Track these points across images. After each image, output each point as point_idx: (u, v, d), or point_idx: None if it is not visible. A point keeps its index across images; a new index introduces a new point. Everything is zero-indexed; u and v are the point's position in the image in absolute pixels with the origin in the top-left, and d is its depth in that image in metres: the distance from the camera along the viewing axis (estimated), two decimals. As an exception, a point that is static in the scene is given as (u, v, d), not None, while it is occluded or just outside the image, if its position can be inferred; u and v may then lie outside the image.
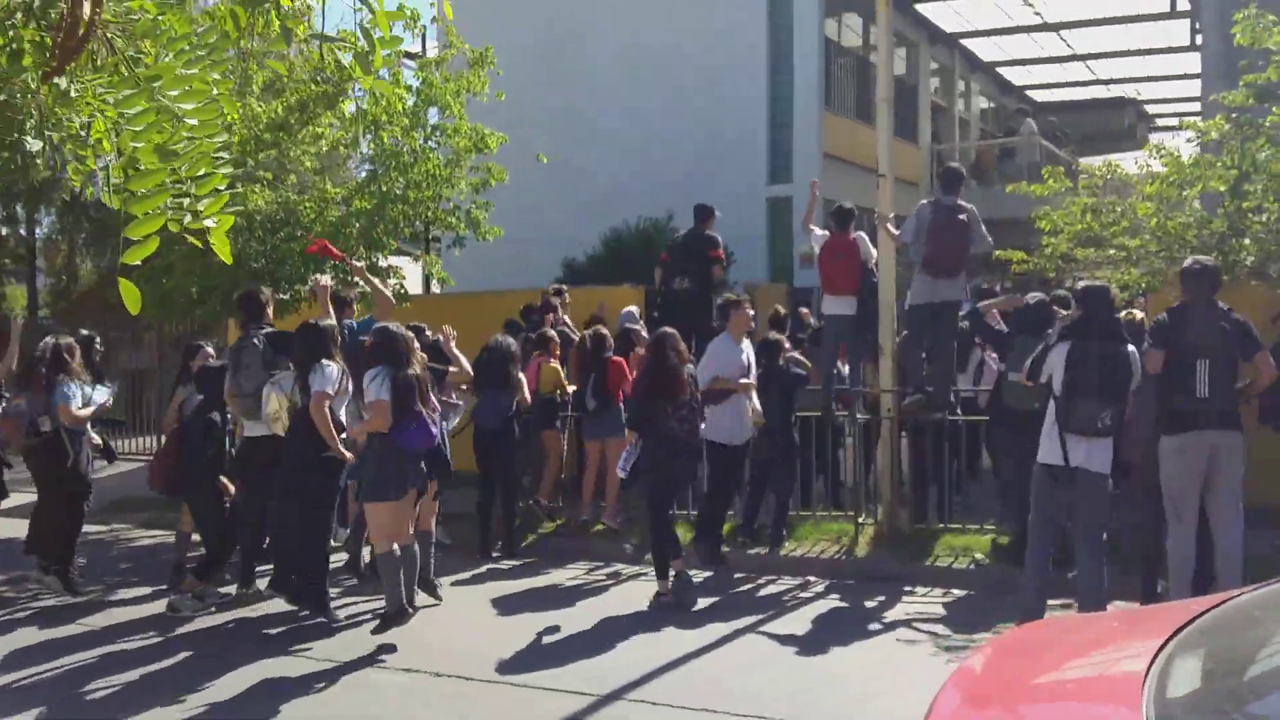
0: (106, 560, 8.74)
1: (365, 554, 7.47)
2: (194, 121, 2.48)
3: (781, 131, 16.50)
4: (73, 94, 2.70)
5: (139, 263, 2.46)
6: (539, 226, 15.84)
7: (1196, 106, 18.09)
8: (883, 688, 5.58)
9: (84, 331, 8.36)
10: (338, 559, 7.59)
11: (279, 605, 7.02)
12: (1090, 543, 5.98)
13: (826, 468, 9.24)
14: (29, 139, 2.83)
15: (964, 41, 20.97)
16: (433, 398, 6.57)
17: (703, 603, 7.17)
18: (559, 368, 9.13)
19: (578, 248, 15.69)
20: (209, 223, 2.45)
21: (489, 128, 10.25)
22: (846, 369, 9.40)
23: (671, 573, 7.09)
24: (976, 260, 9.25)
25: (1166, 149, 9.04)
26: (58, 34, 2.62)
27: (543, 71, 16.86)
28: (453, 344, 7.44)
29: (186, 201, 2.50)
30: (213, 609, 7.14)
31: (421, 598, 6.79)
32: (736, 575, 7.83)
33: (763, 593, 7.49)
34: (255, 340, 7.08)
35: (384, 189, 9.64)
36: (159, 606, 7.22)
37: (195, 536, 7.67)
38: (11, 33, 2.78)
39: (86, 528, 8.09)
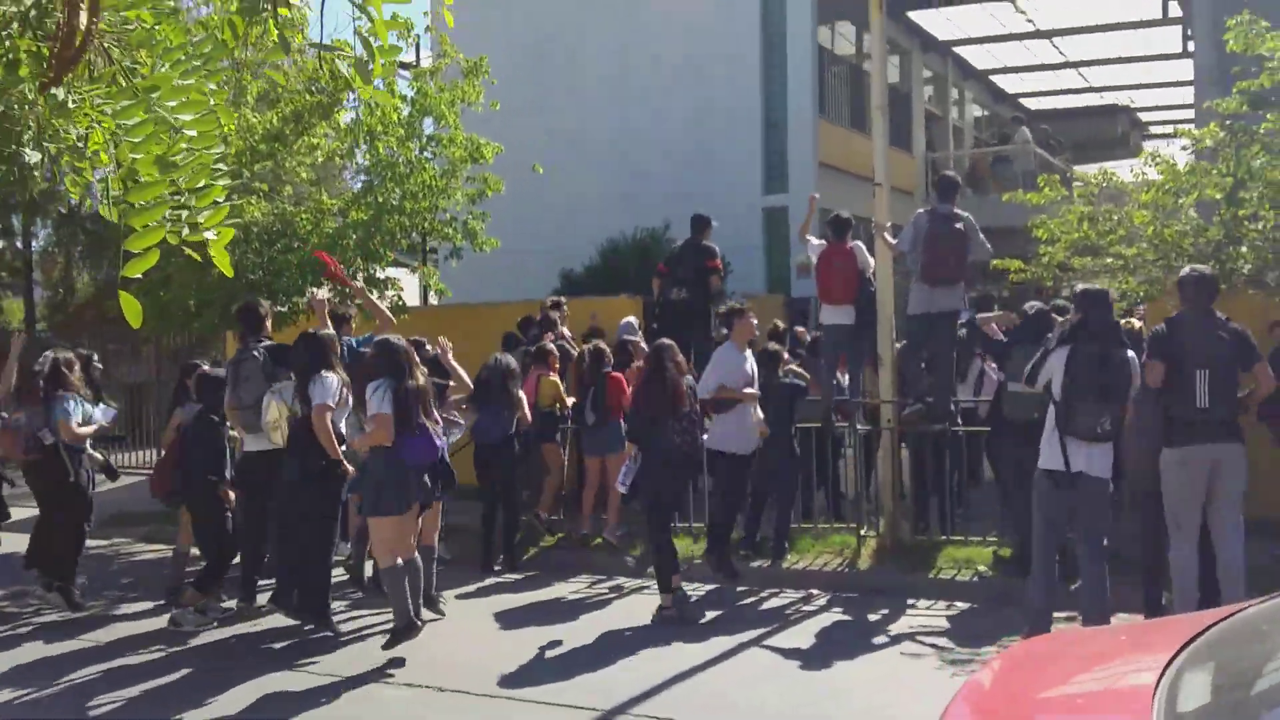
0: (108, 575, 8.70)
1: (368, 567, 7.44)
2: (193, 133, 2.46)
3: (776, 141, 16.51)
4: (70, 105, 2.67)
5: (138, 275, 2.44)
6: (535, 237, 15.83)
7: (1189, 114, 18.15)
8: (888, 700, 5.55)
9: (82, 350, 8.33)
10: (339, 573, 7.55)
11: (281, 619, 6.98)
12: (1092, 548, 5.98)
13: (827, 479, 9.22)
14: (27, 150, 2.81)
15: (957, 49, 21.03)
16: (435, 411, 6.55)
17: (705, 616, 7.14)
18: (558, 381, 9.10)
19: (574, 259, 15.68)
20: (209, 235, 2.42)
21: (484, 138, 10.25)
22: (846, 379, 9.39)
23: (663, 607, 7.07)
24: (975, 268, 9.24)
25: (1162, 157, 9.05)
26: (54, 44, 2.60)
27: (537, 82, 16.86)
28: (450, 355, 7.40)
29: (186, 214, 2.48)
30: (214, 624, 7.10)
31: (424, 613, 6.75)
32: (739, 588, 7.79)
33: (765, 606, 7.45)
34: (255, 353, 7.06)
35: (380, 200, 9.62)
36: (161, 621, 7.18)
37: (194, 551, 7.63)
38: (8, 43, 2.75)
39: (88, 542, 8.04)
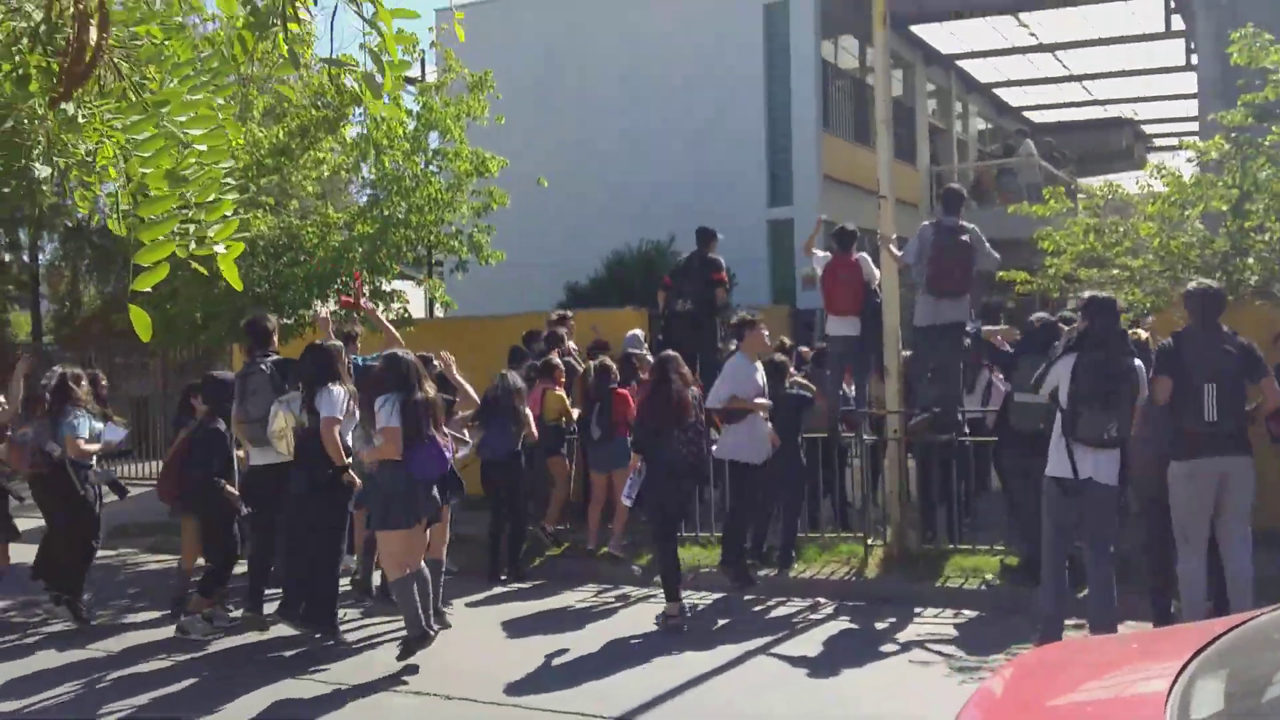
0: (114, 585, 8.72)
1: (376, 577, 7.45)
2: (203, 147, 2.48)
3: (780, 154, 16.56)
4: (80, 120, 2.69)
5: (148, 289, 2.45)
6: (541, 250, 15.87)
7: (1193, 126, 18.19)
8: (896, 709, 5.54)
9: (89, 370, 8.33)
10: (345, 583, 7.54)
11: (289, 629, 6.98)
12: (1099, 554, 5.98)
13: (834, 489, 9.22)
14: (37, 165, 2.83)
15: (960, 63, 21.09)
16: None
17: (712, 625, 7.14)
18: (564, 395, 9.11)
19: (579, 271, 15.71)
20: (219, 249, 2.44)
21: (489, 152, 10.28)
22: (853, 390, 9.39)
23: (668, 614, 7.08)
24: (982, 278, 9.24)
25: (1168, 169, 9.05)
26: (64, 60, 2.61)
27: (543, 97, 16.94)
28: (454, 370, 7.37)
29: (193, 228, 2.49)
30: (221, 634, 7.10)
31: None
32: (746, 597, 7.78)
33: (772, 615, 7.44)
34: (262, 366, 7.07)
35: (386, 213, 9.66)
36: (169, 631, 7.20)
37: (200, 560, 7.64)
38: (18, 58, 2.77)
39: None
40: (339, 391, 6.56)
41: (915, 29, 18.62)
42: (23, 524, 8.29)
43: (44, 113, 2.81)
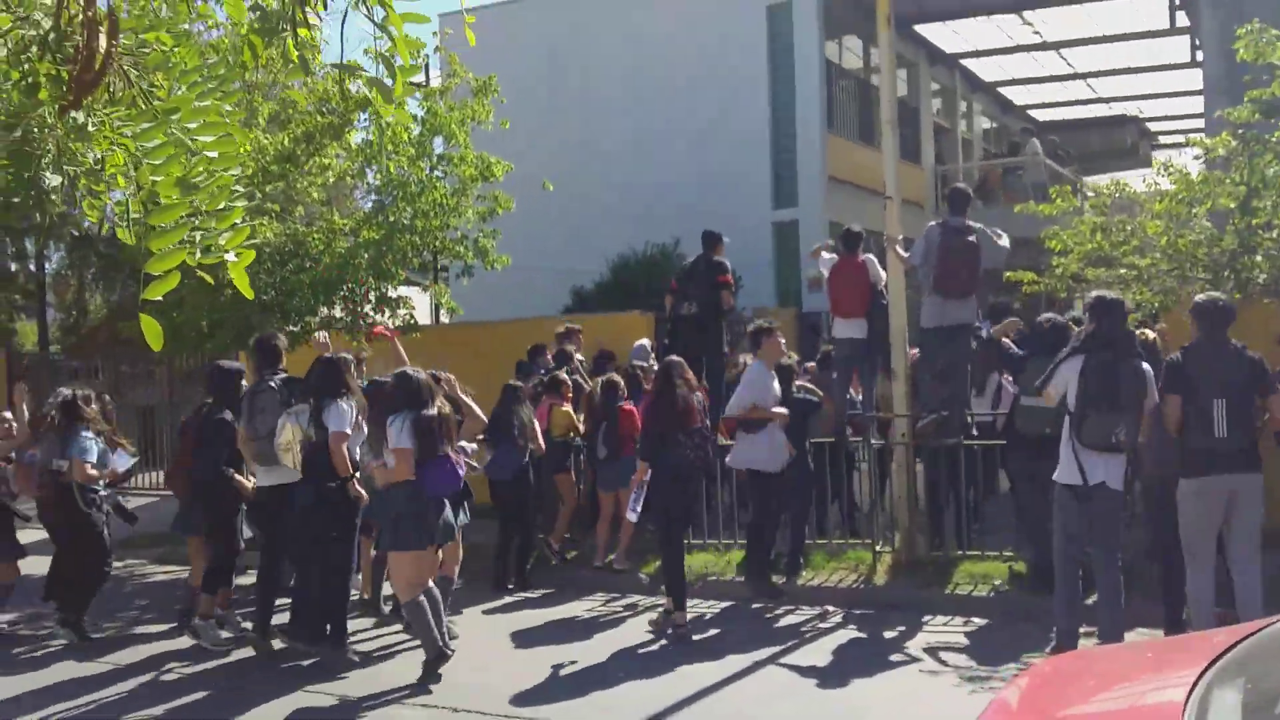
0: (122, 596, 8.71)
1: (386, 586, 7.43)
2: (213, 154, 2.47)
3: (785, 155, 16.53)
4: (90, 128, 2.68)
5: (159, 298, 2.44)
6: (546, 254, 15.87)
7: (1199, 123, 18.13)
8: (907, 718, 5.49)
9: (96, 389, 8.31)
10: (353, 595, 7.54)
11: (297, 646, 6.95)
12: (1106, 560, 5.94)
13: (841, 494, 9.18)
14: (47, 174, 2.82)
15: (964, 62, 21.05)
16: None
17: (721, 633, 7.12)
18: (570, 410, 9.10)
19: (585, 275, 15.70)
20: (230, 256, 2.43)
21: (494, 156, 10.28)
22: (859, 396, 9.35)
23: (668, 611, 7.10)
24: (990, 276, 9.20)
25: (1175, 166, 9.02)
26: (74, 67, 2.61)
27: (547, 101, 16.94)
28: (457, 388, 7.33)
29: (200, 236, 2.48)
30: (232, 645, 7.11)
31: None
32: (754, 605, 7.75)
33: (781, 623, 7.40)
34: (271, 384, 7.05)
35: (392, 219, 9.66)
36: (179, 643, 7.22)
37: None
38: (27, 66, 2.77)
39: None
40: (348, 406, 6.55)
41: (919, 28, 18.58)
42: (28, 536, 8.28)
43: (53, 121, 2.80)
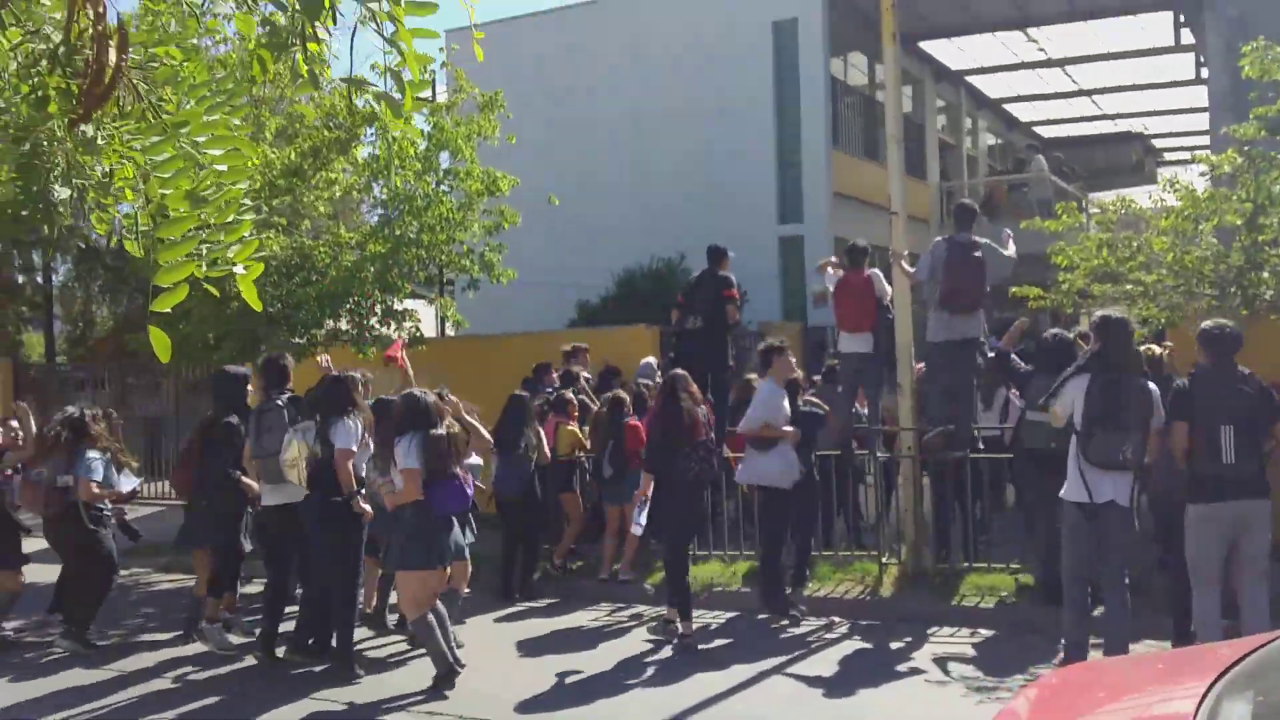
0: (127, 605, 8.71)
1: (393, 596, 7.42)
2: (222, 167, 2.48)
3: (790, 171, 16.58)
4: (99, 141, 2.69)
5: (168, 310, 2.45)
6: (552, 268, 15.90)
7: (1204, 140, 18.15)
8: (913, 732, 5.48)
9: (104, 408, 8.32)
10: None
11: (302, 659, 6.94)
12: (1114, 576, 5.92)
13: (847, 507, 9.17)
14: (56, 187, 2.83)
15: (969, 78, 21.11)
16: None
17: (726, 644, 7.10)
18: (576, 429, 9.10)
19: (591, 289, 15.73)
20: (238, 269, 2.43)
21: (500, 171, 10.32)
22: (865, 410, 9.35)
23: (669, 620, 7.09)
24: (994, 295, 9.19)
25: (1181, 183, 9.02)
26: (83, 81, 2.62)
27: (554, 117, 17.00)
28: (461, 409, 7.31)
29: (208, 249, 2.49)
30: (238, 650, 7.11)
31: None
32: (759, 616, 7.73)
33: (787, 634, 7.38)
34: (279, 402, 7.06)
35: (398, 233, 9.69)
36: (183, 650, 7.22)
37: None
38: (37, 79, 2.78)
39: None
40: (354, 423, 6.55)
41: (924, 45, 18.67)
42: (30, 545, 8.28)
43: (63, 134, 2.81)
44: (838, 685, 6.23)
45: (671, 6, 17.18)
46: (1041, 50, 18.86)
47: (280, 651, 6.90)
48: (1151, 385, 5.96)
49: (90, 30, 2.53)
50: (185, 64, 2.88)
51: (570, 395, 9.28)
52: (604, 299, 15.61)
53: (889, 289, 8.92)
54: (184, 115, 2.58)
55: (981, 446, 8.57)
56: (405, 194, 9.82)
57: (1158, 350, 7.40)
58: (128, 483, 7.69)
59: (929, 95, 20.14)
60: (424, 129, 10.01)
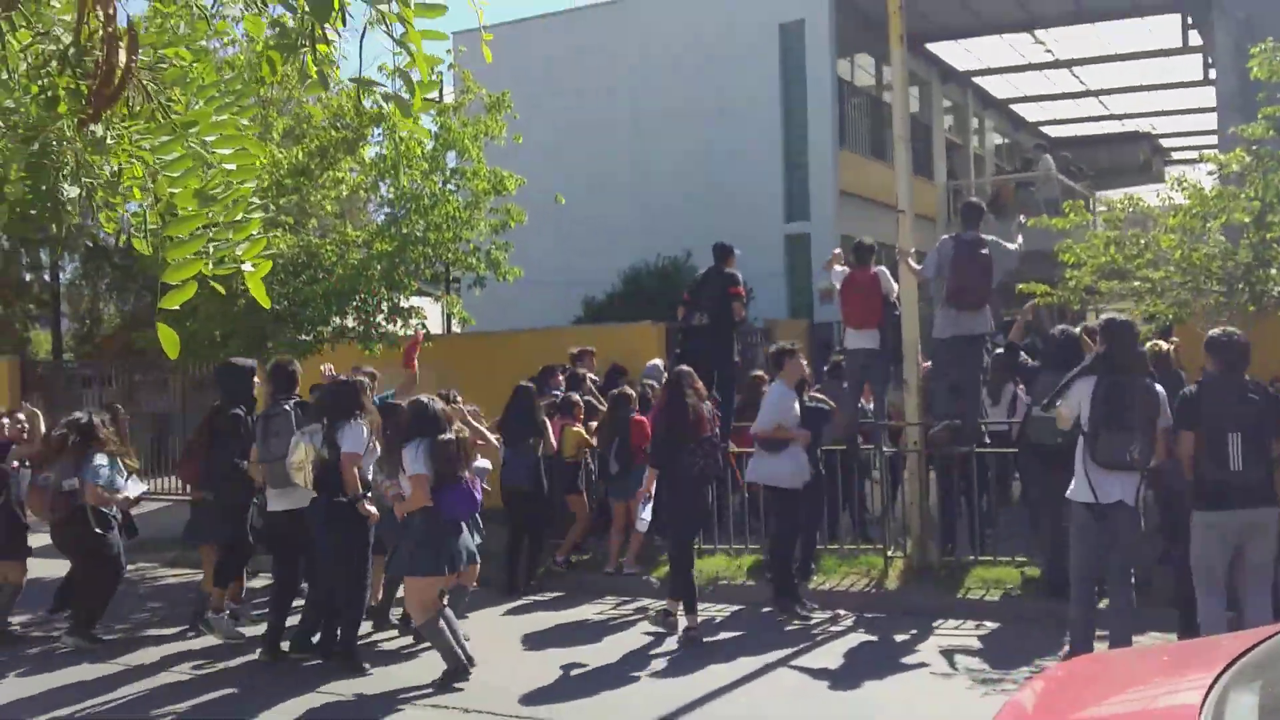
0: (134, 599, 8.74)
1: (400, 589, 7.44)
2: (231, 166, 2.49)
3: (797, 171, 16.57)
4: (109, 141, 2.71)
5: (176, 307, 2.47)
6: (558, 266, 15.92)
7: (1211, 140, 18.12)
8: (919, 723, 5.49)
9: (110, 406, 8.35)
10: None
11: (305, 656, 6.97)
12: (1120, 575, 5.93)
13: (853, 501, 9.18)
14: (65, 186, 2.85)
15: (976, 79, 21.07)
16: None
17: (731, 637, 7.13)
18: (582, 430, 9.11)
19: (597, 287, 15.74)
20: (247, 267, 2.45)
21: (507, 170, 10.34)
22: (870, 405, 9.36)
23: (668, 611, 7.09)
24: (1001, 290, 9.20)
25: (1189, 181, 9.01)
26: (93, 82, 2.64)
27: (559, 114, 17.01)
28: (468, 415, 7.31)
29: (215, 248, 2.50)
30: (245, 639, 7.15)
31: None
32: (764, 609, 7.74)
33: (791, 627, 7.40)
34: (286, 407, 7.07)
35: (405, 231, 9.71)
36: (189, 645, 7.26)
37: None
38: (47, 80, 2.80)
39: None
40: (362, 427, 6.55)
41: (931, 46, 18.63)
42: (35, 539, 8.32)
43: (72, 134, 2.83)
44: (843, 678, 6.25)
45: (681, 9, 17.18)
46: (1049, 52, 18.81)
47: (285, 646, 6.92)
48: (1158, 387, 5.96)
49: (100, 32, 2.54)
50: (194, 65, 2.91)
51: (576, 397, 9.29)
52: (610, 296, 15.62)
53: (895, 286, 8.94)
54: (193, 115, 2.60)
55: (988, 441, 8.58)
56: (412, 193, 9.84)
57: (1164, 346, 7.40)
58: (135, 488, 7.72)
59: (936, 96, 20.12)
60: (431, 129, 10.03)
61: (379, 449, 6.69)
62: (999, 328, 8.92)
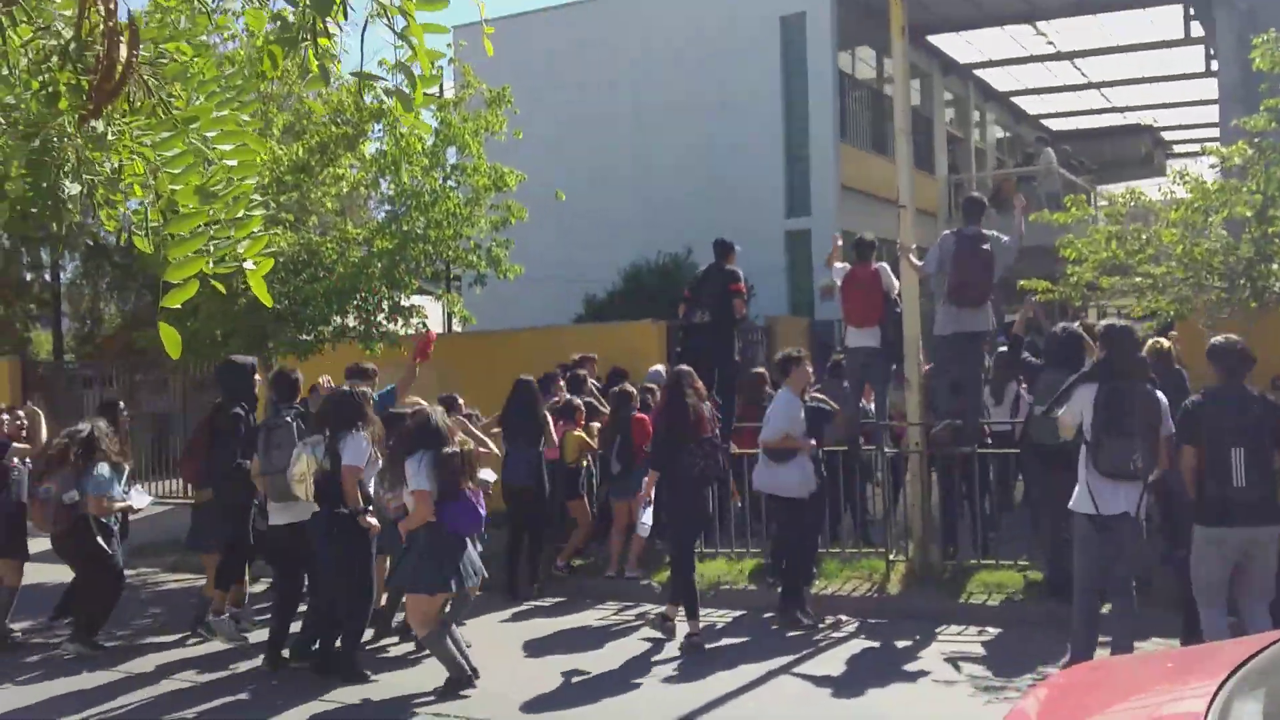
0: (135, 605, 8.71)
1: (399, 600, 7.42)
2: (232, 163, 2.48)
3: (798, 165, 16.54)
4: (109, 137, 2.69)
5: (178, 306, 2.45)
6: (559, 263, 15.90)
7: (1213, 132, 18.08)
8: (923, 727, 5.47)
9: (111, 397, 8.30)
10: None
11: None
12: (1121, 583, 5.88)
13: (854, 503, 9.15)
14: (66, 183, 2.84)
15: (978, 72, 21.03)
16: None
17: (734, 643, 7.09)
18: (583, 435, 9.09)
19: (598, 284, 15.72)
20: (249, 265, 2.44)
21: (508, 165, 10.31)
22: (872, 405, 9.32)
23: (666, 616, 7.08)
24: (1002, 286, 9.17)
25: (1191, 175, 8.99)
26: (94, 77, 2.62)
27: (559, 110, 16.98)
28: (470, 424, 7.26)
29: (216, 246, 2.49)
30: (247, 642, 7.10)
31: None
32: (766, 614, 7.72)
33: (794, 632, 7.37)
34: (288, 418, 7.04)
35: (405, 228, 9.69)
36: (194, 651, 7.23)
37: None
38: (47, 75, 2.78)
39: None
40: (363, 439, 6.51)
41: (932, 38, 18.59)
42: (36, 544, 8.31)
43: (73, 130, 2.81)
44: (846, 685, 6.22)
45: (682, 2, 17.15)
46: (1050, 44, 18.77)
47: (285, 653, 6.90)
48: (1160, 394, 5.91)
49: (101, 26, 2.53)
50: (195, 60, 2.89)
51: (577, 401, 9.27)
52: (611, 294, 15.60)
53: (896, 283, 8.90)
54: (194, 111, 2.59)
55: (989, 441, 8.55)
56: (412, 190, 9.81)
57: (1165, 344, 7.37)
58: (140, 499, 7.70)
59: (937, 89, 20.07)
60: (432, 124, 10.00)
61: (380, 460, 6.65)
62: (1000, 327, 8.88)
